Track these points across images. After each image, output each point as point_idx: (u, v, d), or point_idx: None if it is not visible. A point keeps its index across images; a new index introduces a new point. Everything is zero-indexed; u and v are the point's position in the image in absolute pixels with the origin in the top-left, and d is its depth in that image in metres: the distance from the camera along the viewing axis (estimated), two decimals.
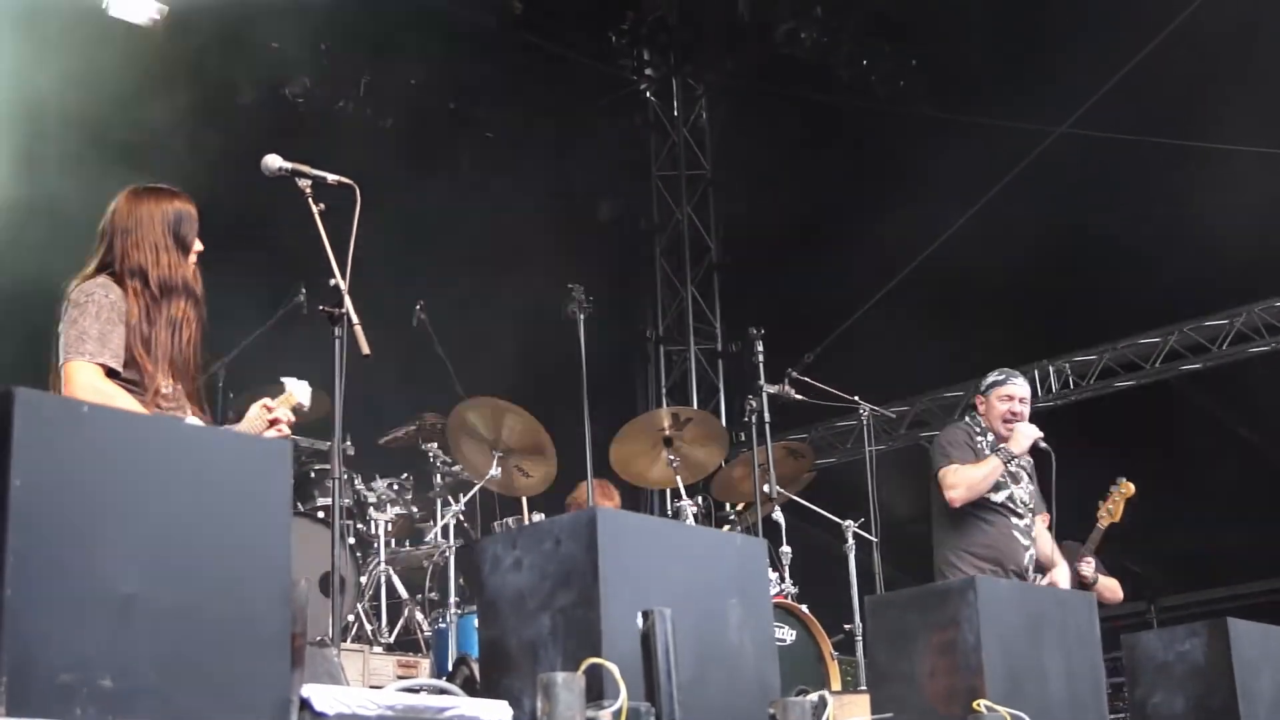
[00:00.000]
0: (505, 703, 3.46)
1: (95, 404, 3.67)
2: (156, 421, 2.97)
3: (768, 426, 7.92)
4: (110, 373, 4.53)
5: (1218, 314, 10.93)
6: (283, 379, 4.74)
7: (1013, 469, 7.22)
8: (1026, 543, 7.12)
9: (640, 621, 3.49)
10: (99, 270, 4.69)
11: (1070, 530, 8.07)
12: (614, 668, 3.36)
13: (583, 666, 3.36)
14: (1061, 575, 7.36)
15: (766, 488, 8.26)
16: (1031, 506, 7.25)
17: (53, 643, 2.63)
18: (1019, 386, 7.47)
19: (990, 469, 7.08)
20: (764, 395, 8.05)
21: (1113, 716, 5.26)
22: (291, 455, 3.25)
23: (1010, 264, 10.89)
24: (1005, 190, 10.74)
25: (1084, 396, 11.61)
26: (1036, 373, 11.69)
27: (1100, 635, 5.06)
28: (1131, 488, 8.14)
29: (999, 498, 7.15)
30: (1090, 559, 8.04)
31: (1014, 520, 7.14)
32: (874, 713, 4.62)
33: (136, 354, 4.60)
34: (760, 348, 7.92)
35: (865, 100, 11.70)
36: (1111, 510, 8.11)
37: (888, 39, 11.77)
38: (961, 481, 7.11)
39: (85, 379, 4.49)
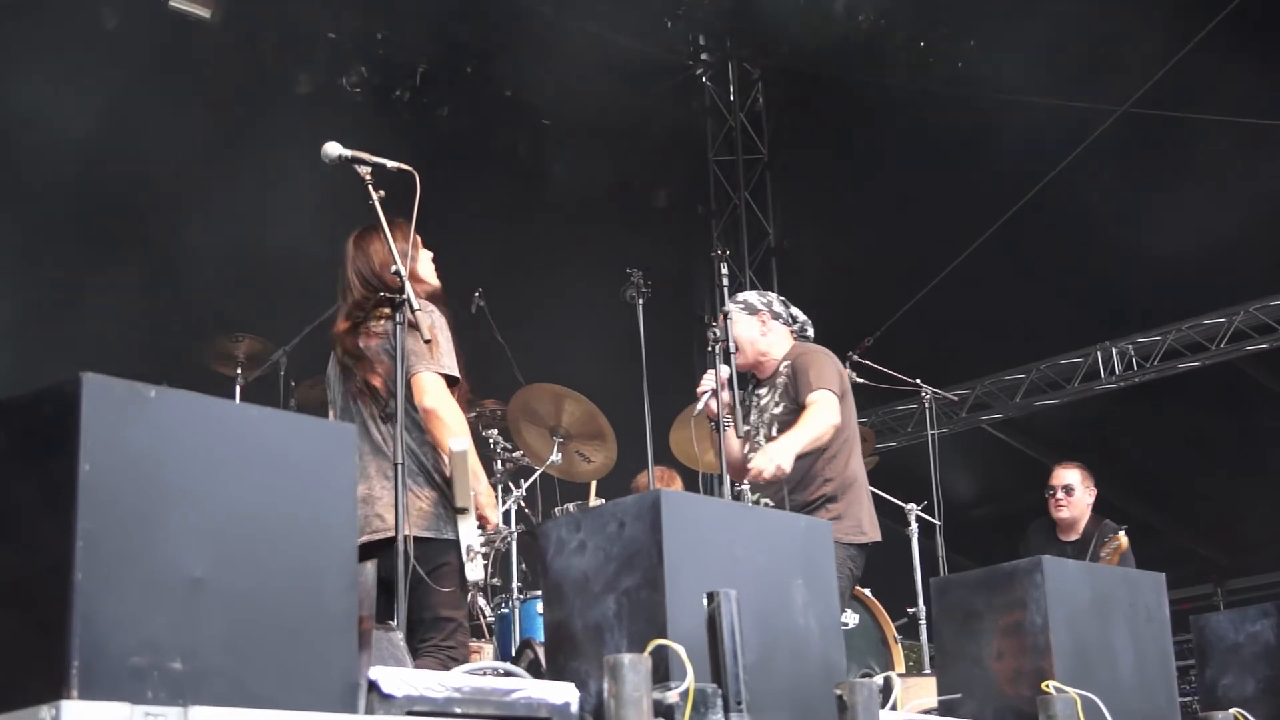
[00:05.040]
0: (571, 684, 3.46)
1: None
2: (221, 405, 2.98)
3: None
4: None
5: None
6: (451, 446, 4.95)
7: (759, 400, 6.52)
8: (755, 496, 6.22)
9: (705, 603, 3.48)
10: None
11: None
12: (680, 649, 3.36)
13: (649, 648, 3.35)
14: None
15: None
16: (775, 429, 6.35)
17: (123, 626, 2.65)
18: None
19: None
20: None
21: (1181, 699, 5.21)
22: (356, 440, 3.26)
23: (1072, 244, 10.81)
24: (1066, 170, 10.63)
25: (1148, 378, 11.49)
26: (1099, 354, 11.60)
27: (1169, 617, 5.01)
28: (1125, 542, 7.84)
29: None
30: None
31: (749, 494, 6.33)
32: (941, 694, 4.60)
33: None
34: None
35: (923, 82, 11.62)
36: (1107, 558, 7.86)
37: (945, 20, 11.68)
38: None
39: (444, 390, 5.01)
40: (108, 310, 8.86)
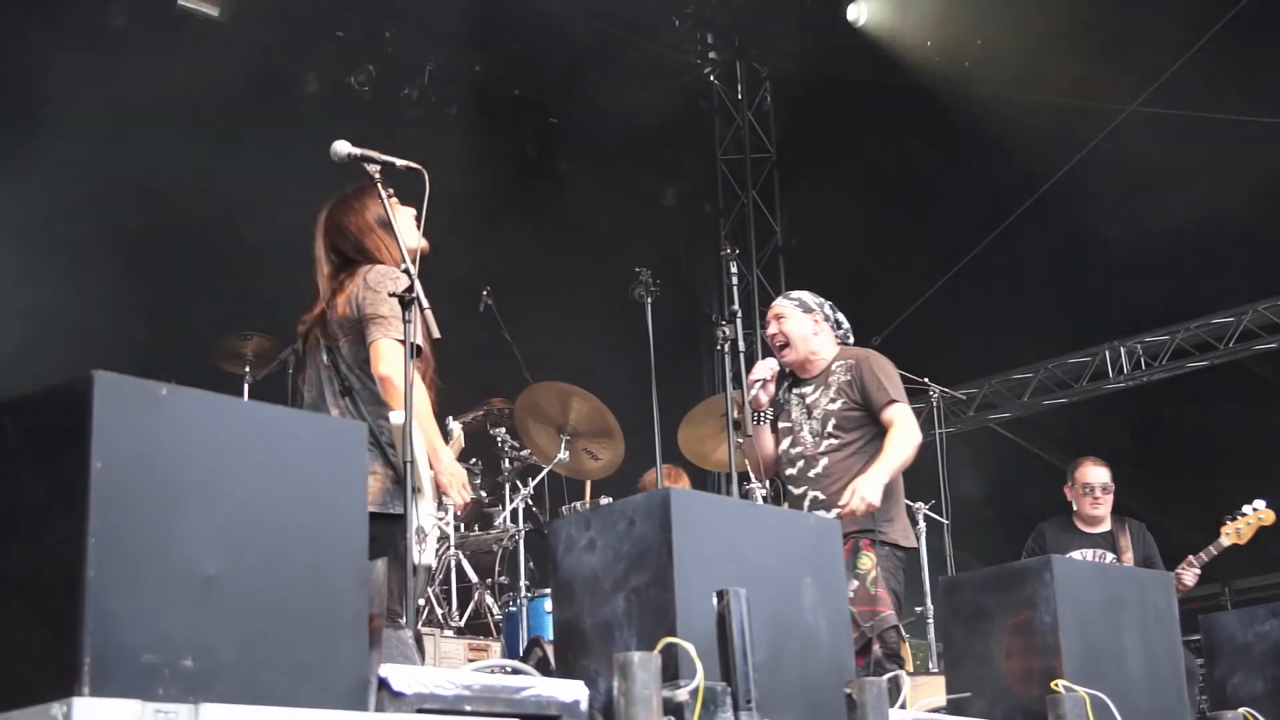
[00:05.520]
0: (581, 682, 3.47)
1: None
2: (232, 403, 2.99)
3: None
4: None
5: None
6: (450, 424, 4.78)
7: (803, 398, 6.37)
8: (800, 490, 6.25)
9: (715, 601, 3.48)
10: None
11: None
12: (690, 647, 3.36)
13: (658, 646, 3.35)
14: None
15: None
16: (830, 424, 6.23)
17: (135, 623, 2.65)
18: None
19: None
20: None
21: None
22: (366, 438, 3.26)
23: (1079, 243, 10.79)
24: (1073, 167, 10.62)
25: (1155, 378, 11.47)
26: (1108, 354, 11.58)
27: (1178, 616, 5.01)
28: (1273, 516, 7.82)
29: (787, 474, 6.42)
30: (1197, 570, 7.80)
31: (792, 488, 6.35)
32: (950, 693, 4.59)
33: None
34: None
35: (930, 80, 11.61)
36: (1240, 531, 7.82)
37: (952, 19, 11.67)
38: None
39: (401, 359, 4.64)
40: (114, 309, 8.87)
